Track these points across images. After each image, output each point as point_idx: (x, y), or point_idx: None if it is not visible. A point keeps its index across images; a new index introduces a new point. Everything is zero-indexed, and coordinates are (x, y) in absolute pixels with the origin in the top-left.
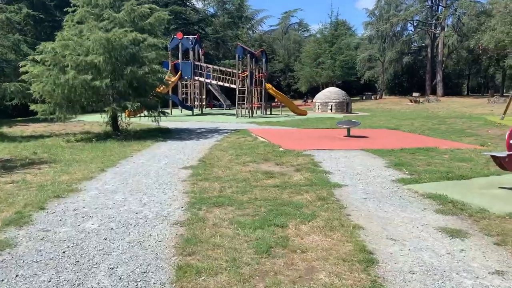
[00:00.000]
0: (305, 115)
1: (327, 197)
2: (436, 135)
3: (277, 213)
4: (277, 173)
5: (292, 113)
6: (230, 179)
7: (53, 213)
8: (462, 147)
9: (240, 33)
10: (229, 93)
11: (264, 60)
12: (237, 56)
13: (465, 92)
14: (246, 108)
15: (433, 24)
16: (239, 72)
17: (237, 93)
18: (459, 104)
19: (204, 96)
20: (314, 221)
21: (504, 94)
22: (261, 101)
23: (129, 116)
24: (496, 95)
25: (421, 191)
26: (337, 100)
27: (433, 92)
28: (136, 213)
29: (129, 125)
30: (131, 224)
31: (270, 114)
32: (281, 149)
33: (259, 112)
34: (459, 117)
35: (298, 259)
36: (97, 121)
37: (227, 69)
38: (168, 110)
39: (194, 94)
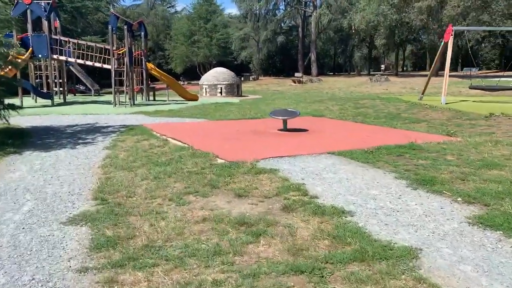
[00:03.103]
0: (197, 100)
1: None
2: (377, 123)
3: None
4: (259, 221)
5: (181, 98)
6: (185, 254)
7: None
8: (438, 139)
9: (101, 5)
10: (92, 75)
11: (143, 34)
12: (110, 27)
13: (330, 72)
14: (127, 93)
15: (304, 2)
16: (114, 48)
17: (112, 75)
18: (343, 84)
19: (65, 80)
20: None
21: (370, 73)
22: (141, 84)
23: None
24: (362, 74)
25: None
26: (227, 82)
27: (306, 72)
28: None
29: None
30: None
31: (154, 100)
32: (219, 160)
33: (139, 98)
34: (369, 98)
35: None
36: None
37: (98, 45)
38: (17, 100)
39: (53, 77)
